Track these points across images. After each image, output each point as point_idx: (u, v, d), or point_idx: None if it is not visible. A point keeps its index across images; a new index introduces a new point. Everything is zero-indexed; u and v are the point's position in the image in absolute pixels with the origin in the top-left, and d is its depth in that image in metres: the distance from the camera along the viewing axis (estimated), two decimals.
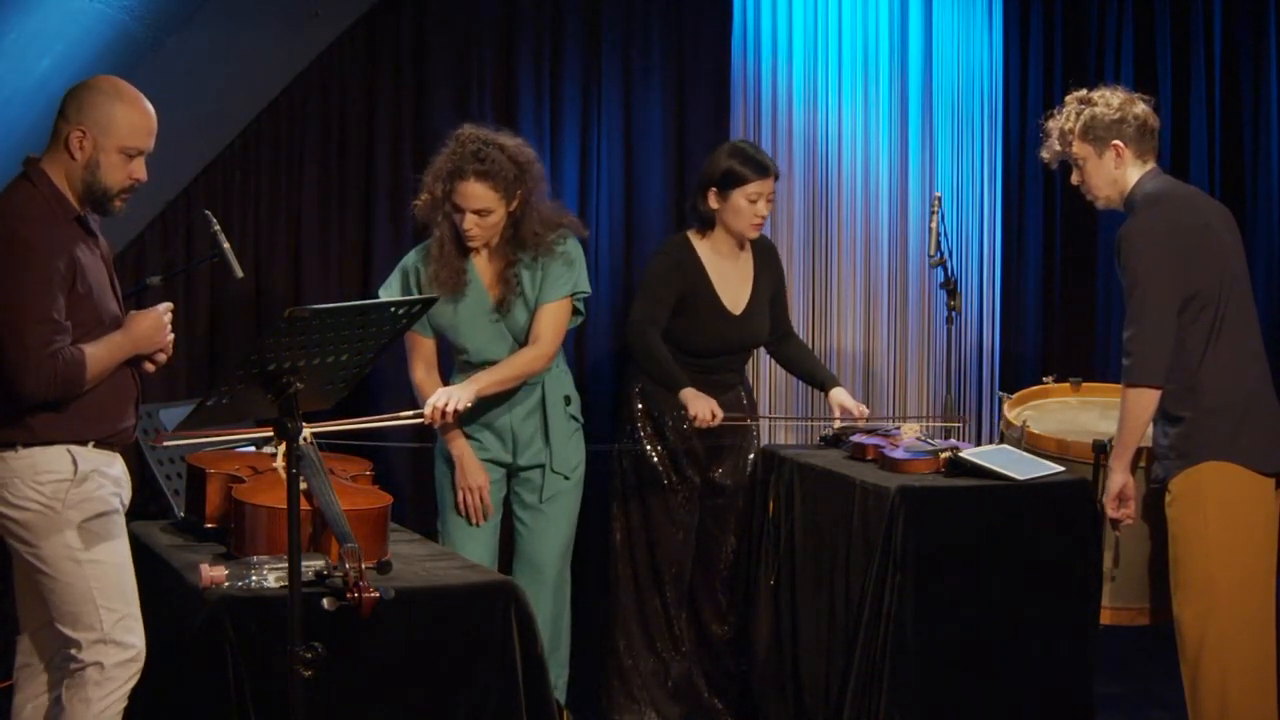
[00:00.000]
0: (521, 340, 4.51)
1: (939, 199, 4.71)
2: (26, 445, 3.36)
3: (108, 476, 3.44)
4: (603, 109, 5.59)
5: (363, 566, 3.15)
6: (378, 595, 3.11)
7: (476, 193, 4.36)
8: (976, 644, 4.28)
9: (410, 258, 4.58)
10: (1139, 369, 4.01)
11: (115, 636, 3.39)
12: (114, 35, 4.36)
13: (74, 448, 3.39)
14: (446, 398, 4.33)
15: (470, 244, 4.45)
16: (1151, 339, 3.99)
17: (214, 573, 3.25)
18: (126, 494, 3.52)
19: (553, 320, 4.49)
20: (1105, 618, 4.43)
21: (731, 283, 4.79)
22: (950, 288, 4.71)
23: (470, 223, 4.39)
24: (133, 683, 3.42)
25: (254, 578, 3.25)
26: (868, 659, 4.23)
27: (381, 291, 4.58)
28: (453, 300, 4.47)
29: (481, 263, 4.52)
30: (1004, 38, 6.10)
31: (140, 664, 3.43)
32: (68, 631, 3.38)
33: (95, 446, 3.42)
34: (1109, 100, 4.20)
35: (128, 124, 3.45)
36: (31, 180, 3.41)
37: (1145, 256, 4.01)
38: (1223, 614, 4.02)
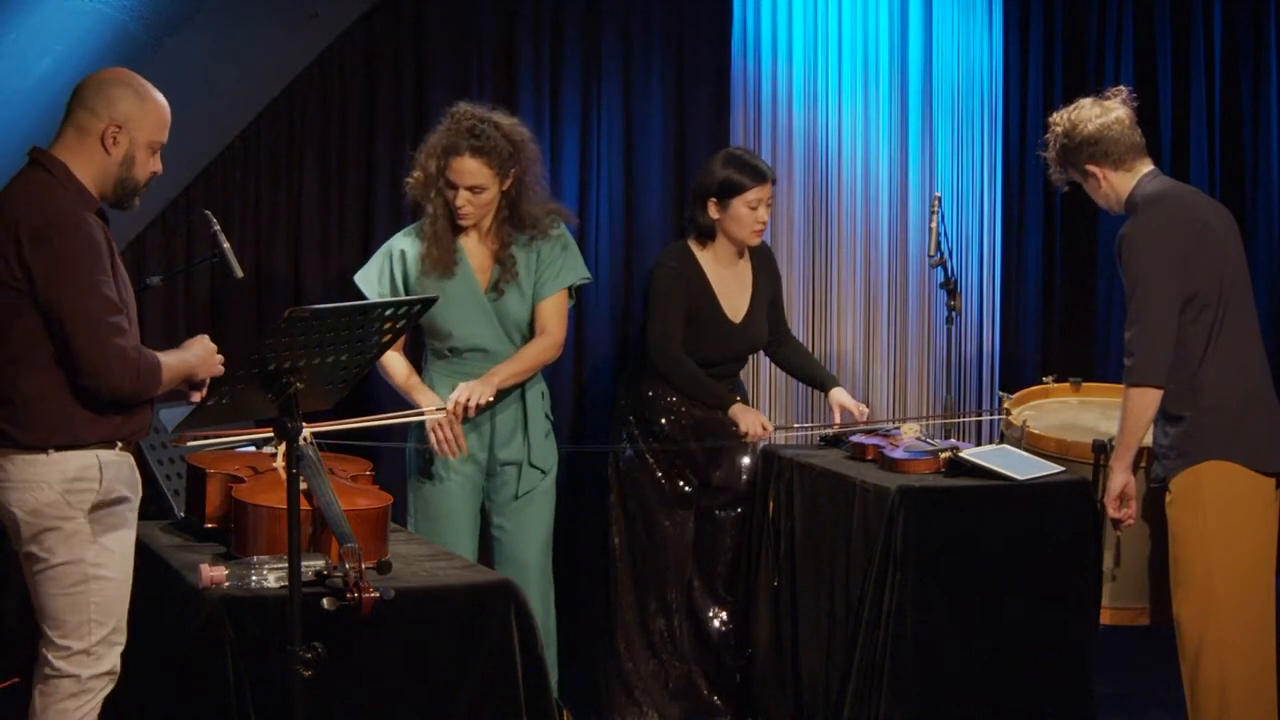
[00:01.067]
0: (511, 327, 4.49)
1: (939, 199, 4.71)
2: (59, 449, 3.30)
3: (128, 482, 3.42)
4: (603, 109, 5.59)
5: (363, 566, 3.15)
6: (378, 595, 3.11)
7: (470, 168, 4.35)
8: (976, 644, 4.28)
9: (395, 240, 4.55)
10: (1140, 369, 4.01)
11: (98, 651, 3.36)
12: (114, 35, 4.35)
13: (102, 452, 3.35)
14: (468, 393, 4.33)
15: (463, 222, 4.42)
16: (1153, 339, 3.99)
17: (214, 573, 3.25)
18: (138, 494, 3.51)
19: (557, 310, 4.51)
20: (1105, 618, 4.43)
21: (732, 291, 4.80)
22: (950, 288, 4.71)
23: (463, 199, 4.37)
24: (106, 691, 3.39)
25: (254, 578, 3.25)
26: (868, 659, 4.23)
27: (358, 278, 4.56)
28: (441, 282, 4.44)
29: (472, 245, 4.49)
30: (1004, 38, 6.10)
31: (115, 676, 3.39)
32: (52, 634, 3.34)
33: (121, 449, 3.39)
34: (1070, 124, 4.18)
35: (155, 118, 3.43)
36: (50, 172, 3.35)
37: (1146, 256, 4.01)
38: (1222, 613, 4.02)
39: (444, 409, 4.34)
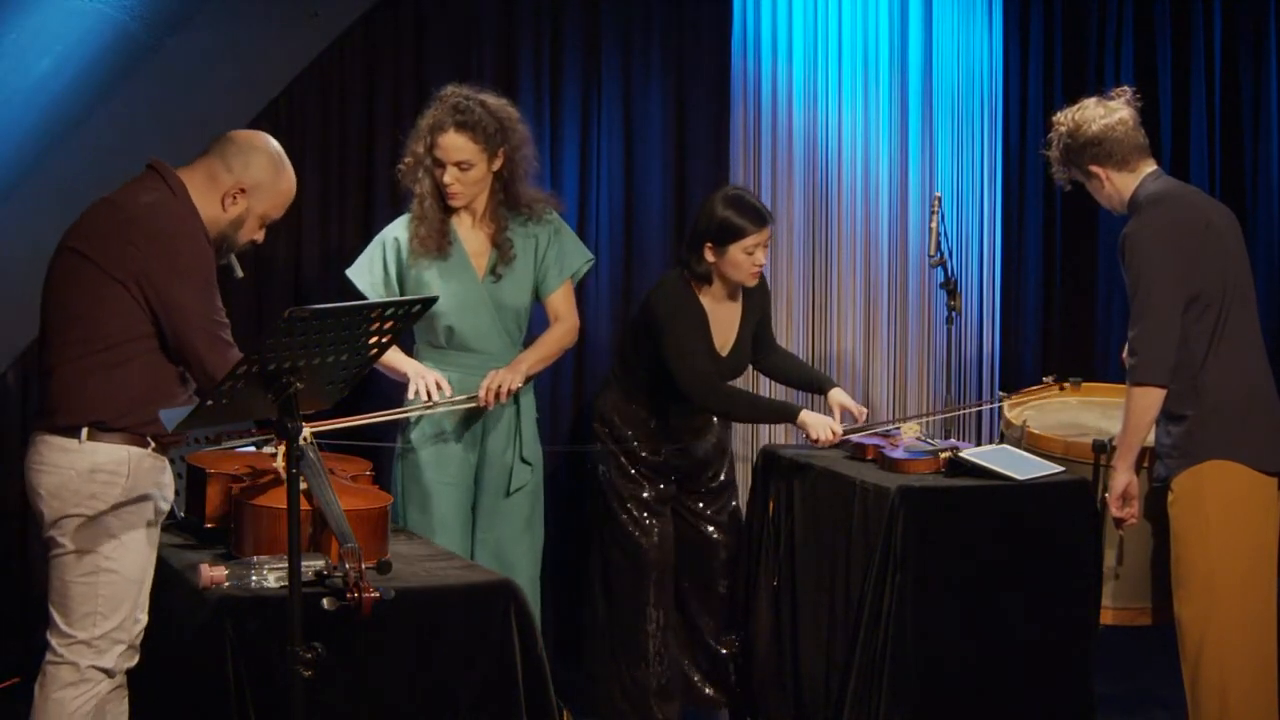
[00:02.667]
0: (509, 315, 4.48)
1: (939, 199, 4.71)
2: (92, 436, 3.33)
3: (157, 485, 3.43)
4: (603, 109, 5.58)
5: (363, 566, 3.15)
6: (378, 595, 3.11)
7: (456, 144, 4.34)
8: (977, 644, 4.28)
9: (388, 229, 4.53)
10: (1144, 368, 4.01)
11: (100, 644, 3.37)
12: (114, 35, 4.35)
13: (133, 449, 3.37)
14: (499, 380, 4.33)
15: (452, 202, 4.41)
16: (1156, 338, 3.99)
17: (214, 573, 3.25)
18: (168, 501, 3.50)
19: (566, 298, 4.56)
20: (1107, 618, 4.43)
21: (723, 327, 4.77)
22: (950, 288, 4.71)
23: (451, 176, 4.36)
24: (104, 687, 3.39)
25: (254, 578, 3.25)
26: (868, 659, 4.23)
27: (350, 271, 4.55)
28: (435, 266, 4.43)
29: (466, 229, 4.47)
30: (1004, 38, 6.10)
31: (114, 676, 3.40)
32: (59, 621, 3.37)
33: (154, 451, 3.41)
34: (1074, 124, 4.18)
35: (282, 196, 3.55)
36: (172, 189, 3.42)
37: (1149, 256, 4.01)
38: (1223, 613, 4.02)
39: (474, 397, 4.34)
